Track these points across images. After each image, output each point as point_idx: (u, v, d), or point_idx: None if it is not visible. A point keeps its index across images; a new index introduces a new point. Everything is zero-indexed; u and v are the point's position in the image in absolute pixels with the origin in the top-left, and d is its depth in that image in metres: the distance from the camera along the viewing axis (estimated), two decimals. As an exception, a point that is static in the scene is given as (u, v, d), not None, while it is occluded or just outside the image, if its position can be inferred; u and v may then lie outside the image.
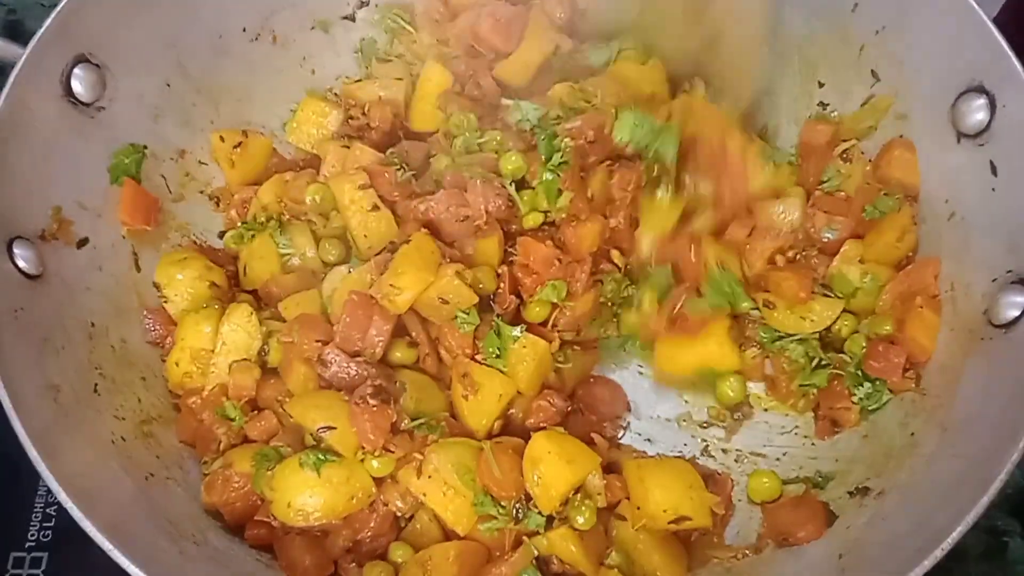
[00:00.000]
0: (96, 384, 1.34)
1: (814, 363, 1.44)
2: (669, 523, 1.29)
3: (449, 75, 1.63)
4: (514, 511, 1.30)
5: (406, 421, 1.33)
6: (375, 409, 1.29)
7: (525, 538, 1.31)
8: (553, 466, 1.28)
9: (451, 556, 1.29)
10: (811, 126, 1.57)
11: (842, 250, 1.47)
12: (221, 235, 1.62)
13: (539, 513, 1.30)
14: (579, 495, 1.31)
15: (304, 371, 1.39)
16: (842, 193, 1.51)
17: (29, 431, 1.14)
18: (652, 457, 1.37)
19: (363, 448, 1.29)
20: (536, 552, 1.31)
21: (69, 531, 1.11)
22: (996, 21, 1.30)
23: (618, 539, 1.33)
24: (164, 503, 1.30)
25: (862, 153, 1.52)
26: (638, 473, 1.31)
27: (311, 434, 1.34)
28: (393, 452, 1.30)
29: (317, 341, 1.39)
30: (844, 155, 1.52)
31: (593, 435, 1.39)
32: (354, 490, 1.30)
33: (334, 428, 1.29)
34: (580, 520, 1.29)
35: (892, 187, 1.45)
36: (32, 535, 1.51)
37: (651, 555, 1.30)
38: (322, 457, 1.28)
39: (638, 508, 1.30)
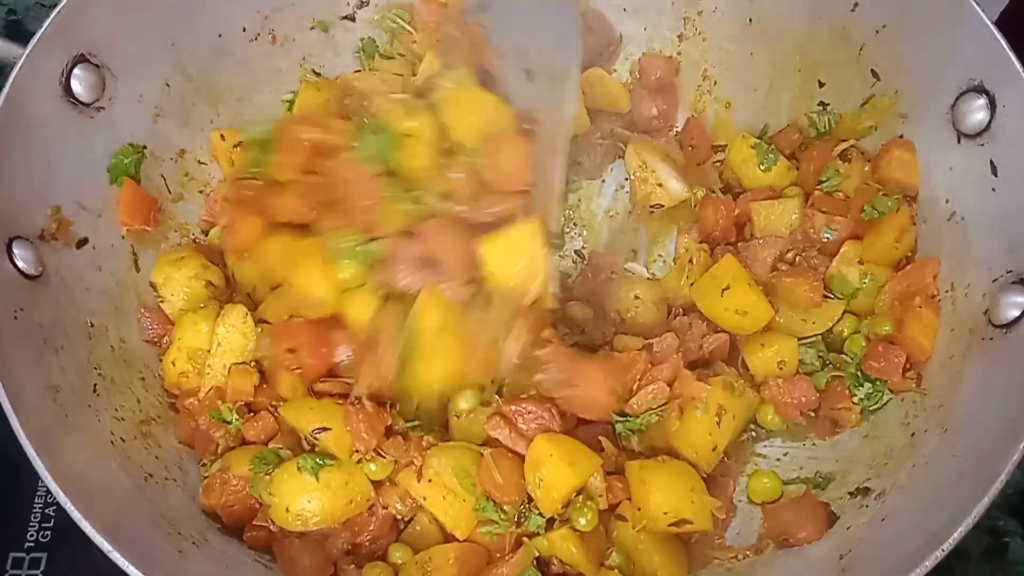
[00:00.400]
0: (95, 384, 1.34)
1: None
2: (669, 525, 1.29)
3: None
4: (516, 515, 1.30)
5: (400, 423, 1.33)
6: (370, 411, 1.29)
7: (525, 539, 1.31)
8: (555, 468, 1.27)
9: (451, 557, 1.29)
10: (782, 135, 1.59)
11: (841, 251, 1.47)
12: (205, 232, 1.61)
13: (539, 515, 1.30)
14: (581, 496, 1.31)
15: (290, 379, 1.39)
16: (840, 193, 1.51)
17: (28, 431, 1.14)
18: (654, 459, 1.36)
19: (357, 451, 1.29)
20: (536, 553, 1.30)
21: (68, 531, 1.10)
22: (997, 23, 1.30)
23: (619, 540, 1.33)
24: (163, 503, 1.30)
25: (861, 153, 1.52)
26: (640, 475, 1.31)
27: (305, 437, 1.33)
28: (385, 457, 1.29)
29: (288, 351, 1.37)
30: (843, 155, 1.52)
31: (601, 439, 1.38)
32: (352, 494, 1.29)
33: (329, 429, 1.29)
34: (582, 522, 1.29)
35: (891, 187, 1.45)
36: (31, 535, 1.51)
37: (651, 556, 1.30)
38: (320, 461, 1.28)
39: (639, 509, 1.30)
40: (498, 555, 1.31)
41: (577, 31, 1.41)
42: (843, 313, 1.46)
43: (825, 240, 1.49)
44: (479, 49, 1.39)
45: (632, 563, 1.32)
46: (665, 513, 1.29)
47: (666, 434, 1.39)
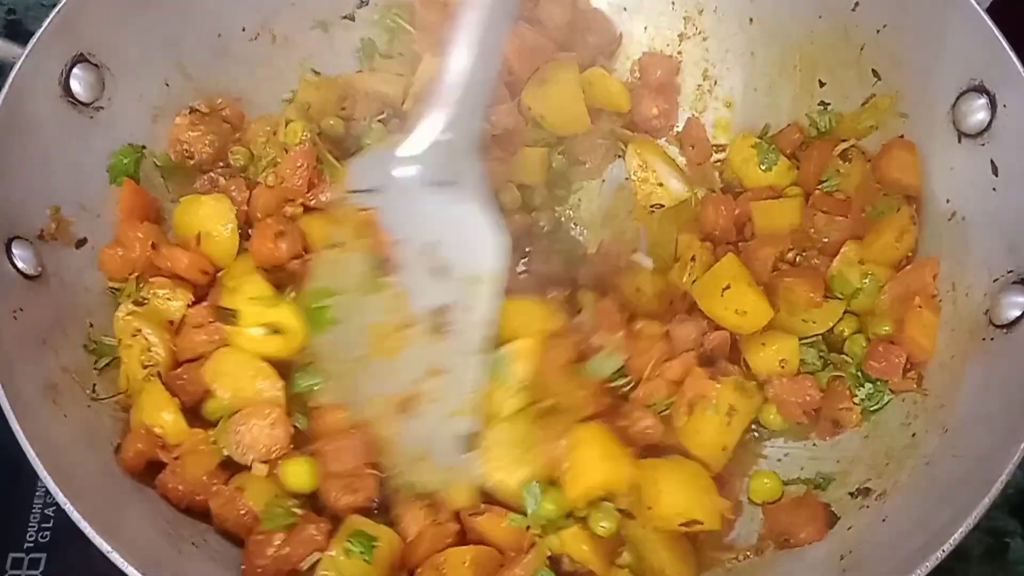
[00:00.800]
0: (95, 384, 1.34)
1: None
2: (680, 525, 1.29)
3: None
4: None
5: None
6: None
7: (538, 539, 1.30)
8: (587, 456, 1.25)
9: (466, 560, 1.28)
10: (782, 134, 1.59)
11: (841, 251, 1.46)
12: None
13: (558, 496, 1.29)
14: (606, 503, 1.30)
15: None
16: (840, 193, 1.50)
17: (27, 432, 1.14)
18: (665, 457, 1.35)
19: None
20: (549, 552, 1.29)
21: (68, 532, 1.10)
22: (990, 11, 1.30)
23: (628, 537, 1.32)
24: (163, 504, 1.30)
25: (862, 153, 1.52)
26: (652, 474, 1.30)
27: None
28: None
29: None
30: (843, 155, 1.51)
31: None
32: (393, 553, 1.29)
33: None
34: (603, 525, 1.29)
35: (892, 187, 1.45)
36: (31, 536, 1.51)
37: (660, 553, 1.29)
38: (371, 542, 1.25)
39: (649, 508, 1.29)
40: (512, 554, 1.30)
41: (496, 234, 1.22)
42: (844, 313, 1.46)
43: (825, 241, 1.49)
44: (372, 232, 1.24)
45: (641, 560, 1.31)
46: (677, 513, 1.28)
47: (673, 431, 1.38)
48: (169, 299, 1.40)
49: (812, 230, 1.49)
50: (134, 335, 1.36)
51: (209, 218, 1.45)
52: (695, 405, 1.36)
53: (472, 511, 1.31)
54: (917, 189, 1.43)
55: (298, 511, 1.26)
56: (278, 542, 1.23)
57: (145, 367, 1.35)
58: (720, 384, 1.35)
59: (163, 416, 1.31)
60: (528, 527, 1.29)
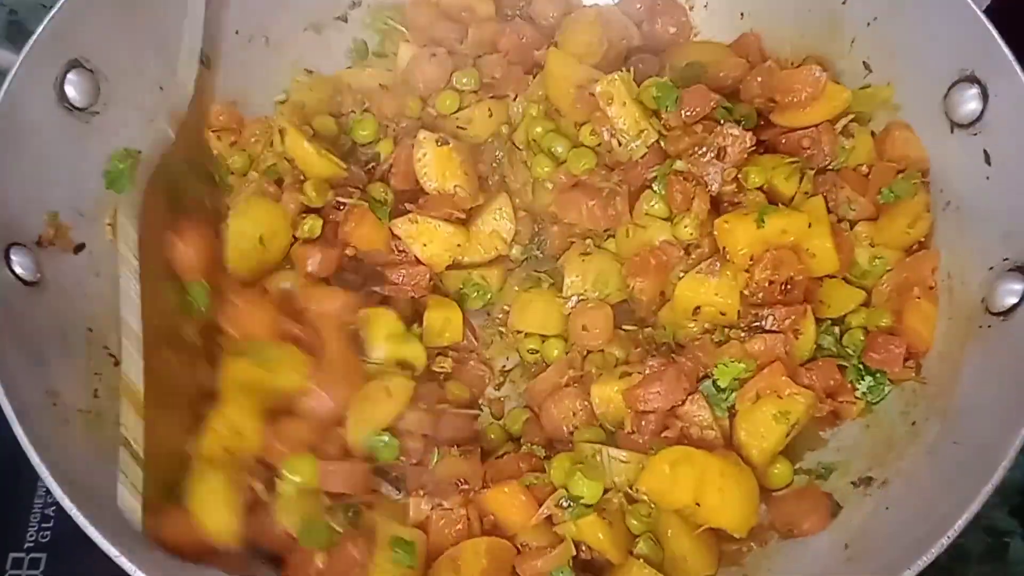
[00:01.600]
0: (96, 389, 1.33)
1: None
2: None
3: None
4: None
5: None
6: None
7: (564, 534, 1.30)
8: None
9: (481, 551, 1.29)
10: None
11: (854, 231, 1.46)
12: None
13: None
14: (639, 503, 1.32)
15: None
16: (863, 167, 1.49)
17: (30, 437, 1.13)
18: (722, 456, 1.31)
19: None
20: (573, 552, 1.29)
21: (68, 532, 1.11)
22: (987, 11, 1.31)
23: (649, 523, 1.32)
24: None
25: (864, 128, 1.51)
26: (719, 481, 1.28)
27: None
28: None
29: None
30: (844, 131, 1.50)
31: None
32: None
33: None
34: (634, 523, 1.31)
35: (902, 164, 1.44)
36: (31, 536, 1.50)
37: (683, 541, 1.29)
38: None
39: (697, 504, 1.28)
40: (522, 537, 1.32)
41: None
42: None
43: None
44: None
45: (661, 549, 1.31)
46: (726, 521, 1.28)
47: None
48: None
49: (832, 204, 1.46)
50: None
51: (268, 223, 1.46)
52: (762, 399, 1.35)
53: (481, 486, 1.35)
54: (925, 160, 1.43)
55: (338, 528, 1.26)
56: (321, 564, 1.25)
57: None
58: (801, 397, 1.34)
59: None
60: (548, 517, 1.31)
